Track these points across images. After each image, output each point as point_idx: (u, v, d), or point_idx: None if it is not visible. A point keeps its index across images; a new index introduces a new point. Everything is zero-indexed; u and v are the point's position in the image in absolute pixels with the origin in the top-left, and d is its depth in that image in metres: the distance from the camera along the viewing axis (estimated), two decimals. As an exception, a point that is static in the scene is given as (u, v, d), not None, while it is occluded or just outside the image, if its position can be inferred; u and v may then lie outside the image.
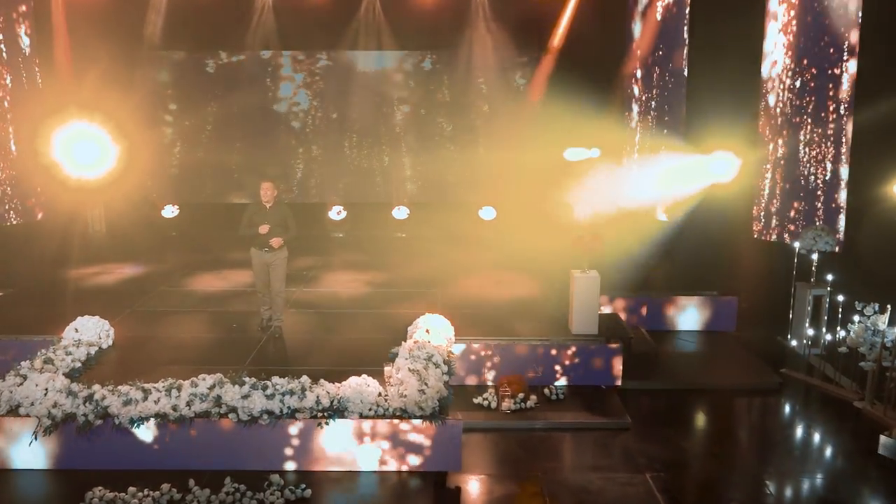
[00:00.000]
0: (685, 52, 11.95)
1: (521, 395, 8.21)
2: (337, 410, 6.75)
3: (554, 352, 8.71)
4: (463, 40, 14.26)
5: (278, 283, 8.89)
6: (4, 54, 12.90)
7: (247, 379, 6.98)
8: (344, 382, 6.99)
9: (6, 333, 8.82)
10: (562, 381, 8.69)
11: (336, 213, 14.55)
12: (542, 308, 10.02)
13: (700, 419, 8.32)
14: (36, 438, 6.67)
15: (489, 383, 8.64)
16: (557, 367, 8.73)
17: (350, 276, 11.68)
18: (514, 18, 14.02)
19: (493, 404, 8.19)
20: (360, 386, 6.88)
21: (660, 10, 12.51)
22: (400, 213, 14.66)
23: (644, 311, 10.45)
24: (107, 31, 13.72)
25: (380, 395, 6.88)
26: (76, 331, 8.36)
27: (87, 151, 14.01)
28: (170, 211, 14.73)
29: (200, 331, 9.19)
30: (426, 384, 6.97)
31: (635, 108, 13.72)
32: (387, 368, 7.39)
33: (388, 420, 6.72)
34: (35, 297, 10.40)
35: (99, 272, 11.79)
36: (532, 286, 11.09)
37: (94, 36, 13.65)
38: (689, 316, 10.58)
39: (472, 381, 8.68)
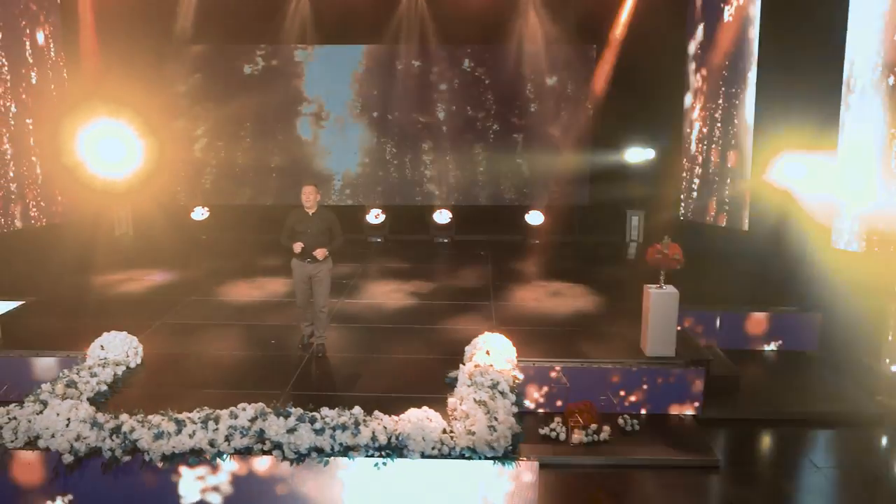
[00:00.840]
0: (755, 50, 11.01)
1: (593, 427, 7.34)
2: (395, 449, 5.90)
3: (627, 376, 7.83)
4: (512, 34, 13.39)
5: (322, 298, 8.08)
6: (28, 50, 12.26)
7: (292, 410, 6.17)
8: (403, 416, 6.15)
9: (26, 348, 8.09)
10: (634, 409, 7.81)
11: (374, 216, 13.74)
12: (609, 325, 9.13)
13: (797, 456, 7.37)
14: (56, 475, 5.91)
15: (544, 408, 7.80)
16: (631, 394, 7.84)
17: (393, 285, 10.85)
18: (568, 10, 13.13)
19: (562, 436, 7.33)
20: (421, 421, 6.03)
21: (728, 11, 11.59)
22: (441, 217, 13.82)
23: (715, 327, 9.52)
24: (134, 25, 13.07)
25: (444, 431, 6.03)
26: (102, 348, 7.61)
27: (114, 150, 13.40)
28: (199, 213, 14.01)
29: (235, 347, 8.40)
30: (496, 418, 6.11)
31: (697, 106, 12.77)
32: (451, 400, 6.53)
33: (455, 460, 5.87)
34: (57, 308, 9.68)
35: (125, 279, 11.08)
36: (594, 299, 10.19)
37: (121, 30, 13.00)
38: (766, 333, 9.62)
39: (533, 406, 7.84)
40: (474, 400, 6.36)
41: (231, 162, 14.16)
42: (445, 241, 13.78)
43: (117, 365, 7.43)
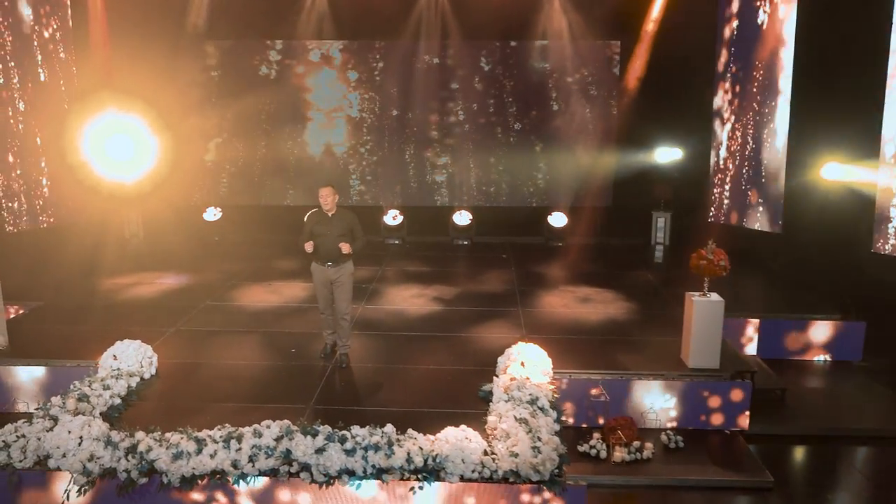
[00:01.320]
0: (792, 48, 10.57)
1: (636, 444, 6.90)
2: (433, 471, 5.48)
3: (669, 390, 7.38)
4: (534, 30, 12.95)
5: (343, 304, 7.66)
6: (35, 43, 11.87)
7: (320, 428, 5.75)
8: (439, 435, 5.72)
9: (35, 357, 7.68)
10: (677, 424, 7.38)
11: (392, 217, 13.31)
12: (644, 334, 8.69)
13: (856, 476, 6.92)
14: (68, 498, 5.50)
15: (580, 423, 7.37)
16: (673, 408, 7.40)
17: (414, 290, 10.42)
18: (593, 6, 12.68)
19: (603, 454, 6.89)
20: (460, 441, 5.60)
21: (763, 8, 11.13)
22: (461, 218, 13.38)
23: (755, 336, 9.08)
24: (147, 18, 12.66)
25: (485, 452, 5.60)
26: (115, 358, 7.19)
27: (123, 149, 12.98)
28: (212, 214, 13.59)
29: (254, 357, 7.98)
30: (539, 438, 5.68)
31: (728, 104, 12.31)
32: (491, 418, 6.08)
33: (498, 484, 5.44)
34: (66, 313, 9.28)
35: (136, 283, 10.66)
36: (625, 306, 9.74)
37: (133, 23, 12.59)
38: (808, 343, 9.17)
39: (571, 421, 7.40)
40: (515, 418, 5.93)
41: (245, 161, 13.73)
42: (465, 243, 13.34)
43: (131, 376, 7.02)
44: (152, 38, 12.74)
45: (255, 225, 13.80)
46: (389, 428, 5.81)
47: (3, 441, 5.64)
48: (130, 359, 7.18)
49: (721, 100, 12.48)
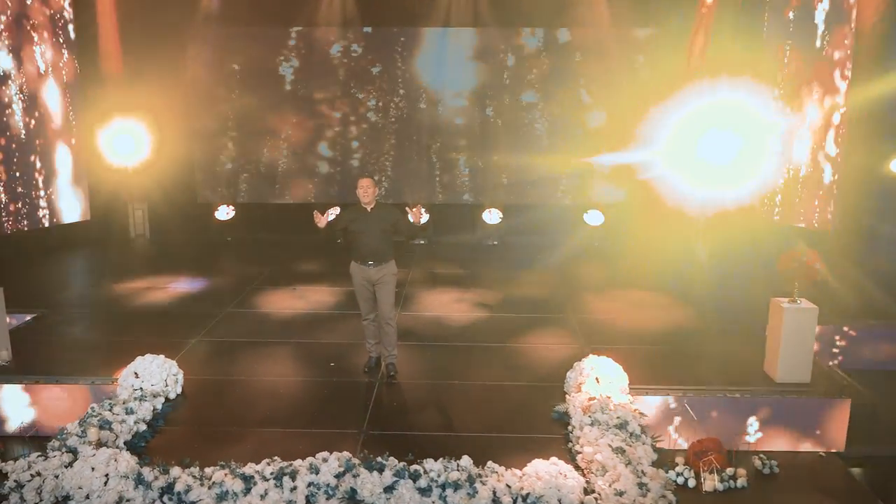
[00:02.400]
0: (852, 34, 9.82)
1: (729, 470, 6.10)
2: (525, 514, 4.67)
3: (759, 407, 6.59)
4: (574, 14, 12.11)
5: (388, 308, 6.87)
6: (34, 34, 11.00)
7: (386, 461, 4.92)
8: (527, 470, 4.91)
9: (43, 374, 6.81)
10: (768, 446, 6.59)
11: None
12: (714, 344, 7.91)
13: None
14: (93, 548, 4.67)
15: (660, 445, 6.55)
16: (765, 428, 6.61)
17: (452, 294, 9.60)
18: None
19: (691, 482, 6.07)
20: (554, 478, 4.79)
21: None
22: (491, 217, 12.56)
23: (836, 345, 8.31)
24: (156, 5, 11.82)
25: (585, 491, 4.78)
26: (136, 376, 6.34)
27: (128, 143, 12.14)
28: (224, 213, 12.72)
29: (289, 371, 7.14)
30: (643, 472, 4.87)
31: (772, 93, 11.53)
32: (587, 449, 5.26)
33: (602, 530, 4.64)
34: (74, 322, 8.42)
35: (147, 288, 9.79)
36: (685, 312, 8.96)
37: (141, 7, 11.75)
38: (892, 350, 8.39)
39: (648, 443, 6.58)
40: (611, 447, 5.12)
41: (260, 156, 12.84)
42: (495, 243, 12.52)
43: (155, 397, 6.18)
44: (162, 25, 11.90)
45: (271, 224, 12.98)
46: (467, 461, 5.00)
47: (16, 481, 4.80)
48: (154, 376, 6.33)
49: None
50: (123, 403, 5.87)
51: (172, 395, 6.39)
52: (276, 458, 5.09)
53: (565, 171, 12.83)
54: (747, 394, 6.67)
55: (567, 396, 6.31)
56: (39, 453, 5.18)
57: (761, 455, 6.42)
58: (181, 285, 9.94)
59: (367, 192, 6.71)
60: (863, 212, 9.85)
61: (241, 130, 12.75)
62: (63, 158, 11.67)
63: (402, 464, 4.94)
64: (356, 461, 4.95)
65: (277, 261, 11.29)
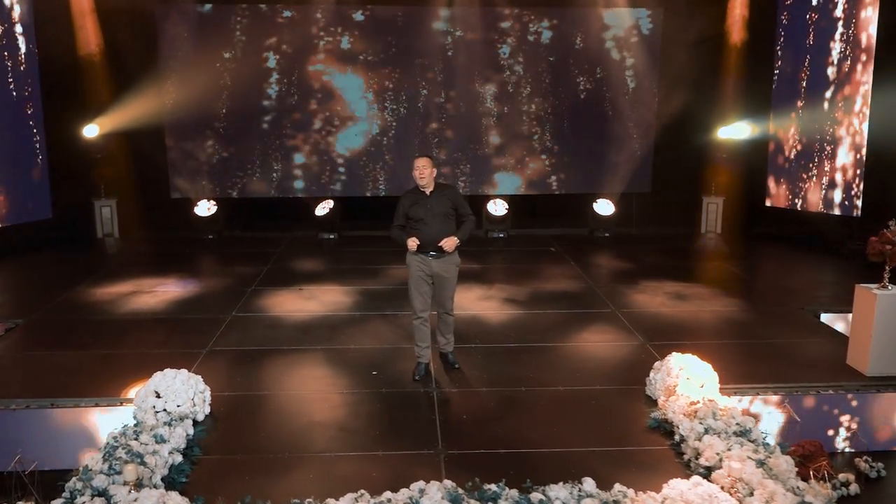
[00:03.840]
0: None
1: (841, 476, 5.47)
2: (677, 547, 3.90)
3: (853, 403, 6.01)
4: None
5: (450, 302, 6.23)
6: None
7: (501, 489, 4.10)
8: (667, 492, 4.17)
9: (33, 396, 5.73)
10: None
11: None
12: (779, 336, 7.33)
13: None
14: None
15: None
16: (864, 426, 6.03)
17: (477, 291, 8.76)
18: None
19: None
20: (704, 500, 4.03)
21: None
22: (496, 208, 11.79)
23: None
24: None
25: (745, 516, 4.06)
26: (158, 395, 5.31)
27: (92, 130, 10.93)
28: (205, 208, 11.56)
29: (326, 384, 6.20)
30: (798, 487, 4.17)
31: (791, 72, 11.11)
32: (734, 464, 4.49)
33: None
34: (56, 333, 7.31)
35: (133, 292, 8.67)
36: (731, 302, 8.37)
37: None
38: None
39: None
40: (753, 461, 4.40)
41: (245, 144, 11.70)
42: (501, 235, 11.73)
43: (181, 419, 5.18)
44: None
45: (255, 220, 11.94)
46: (590, 485, 4.21)
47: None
48: (179, 395, 5.32)
49: (783, 64, 11.27)
50: (151, 430, 4.86)
51: (200, 417, 5.39)
52: (362, 491, 4.20)
53: (573, 160, 12.15)
54: (841, 390, 6.09)
55: (659, 401, 5.59)
56: (62, 499, 4.14)
57: (867, 458, 5.83)
58: (170, 288, 8.84)
59: (423, 172, 5.92)
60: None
61: (221, 120, 11.57)
62: (12, 148, 10.33)
63: (514, 491, 4.12)
64: (462, 491, 4.10)
65: (270, 259, 10.26)
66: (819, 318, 7.94)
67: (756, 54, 11.33)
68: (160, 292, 8.66)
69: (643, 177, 12.40)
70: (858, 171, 9.93)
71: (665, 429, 5.30)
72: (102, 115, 10.94)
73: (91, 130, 10.97)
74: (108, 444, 4.73)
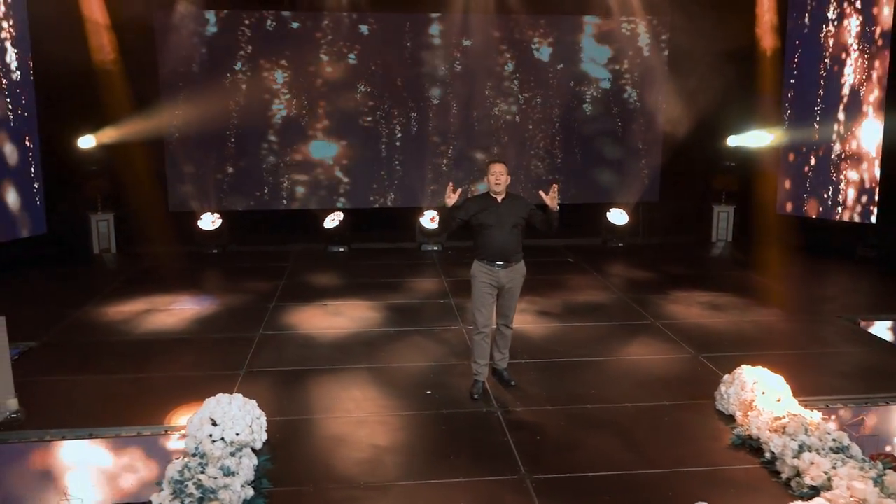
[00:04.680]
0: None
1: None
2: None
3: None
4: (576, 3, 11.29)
5: (512, 314, 6.03)
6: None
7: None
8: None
9: (68, 426, 5.30)
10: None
11: (430, 219, 11.31)
12: (830, 345, 7.21)
13: None
14: None
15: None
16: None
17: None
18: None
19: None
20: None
21: None
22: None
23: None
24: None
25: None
26: (214, 423, 4.92)
27: (86, 140, 10.45)
28: (209, 221, 11.12)
29: (380, 406, 5.85)
30: (922, 509, 3.98)
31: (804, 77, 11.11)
32: (857, 484, 4.27)
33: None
34: (75, 355, 6.85)
35: (147, 310, 8.22)
36: (771, 312, 8.25)
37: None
38: None
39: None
40: (868, 479, 4.20)
41: (250, 156, 11.28)
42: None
43: (242, 447, 4.80)
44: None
45: (262, 233, 11.51)
46: (708, 509, 3.95)
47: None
48: (237, 422, 4.94)
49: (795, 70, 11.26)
50: (218, 462, 4.47)
51: (258, 445, 5.01)
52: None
53: (585, 169, 11.99)
54: (907, 400, 5.95)
55: (737, 417, 5.38)
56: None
57: (941, 470, 5.69)
58: (186, 305, 8.41)
59: (499, 178, 5.74)
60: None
61: (226, 131, 11.15)
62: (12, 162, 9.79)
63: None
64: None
65: (283, 273, 9.87)
66: (858, 326, 7.86)
67: (767, 62, 11.31)
68: (176, 310, 8.22)
69: (652, 186, 12.30)
70: (876, 178, 9.93)
71: (751, 446, 5.08)
72: (98, 127, 10.47)
73: (86, 142, 10.49)
74: (173, 479, 4.33)
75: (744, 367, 5.79)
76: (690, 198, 12.22)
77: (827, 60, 10.62)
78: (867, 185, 10.04)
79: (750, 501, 4.47)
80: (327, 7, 10.88)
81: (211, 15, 10.86)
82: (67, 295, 8.72)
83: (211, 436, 4.85)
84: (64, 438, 5.20)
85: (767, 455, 4.89)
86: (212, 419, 4.95)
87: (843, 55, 10.34)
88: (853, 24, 10.14)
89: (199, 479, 4.25)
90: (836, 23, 10.48)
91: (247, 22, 10.90)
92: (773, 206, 11.73)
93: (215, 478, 4.32)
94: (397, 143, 11.51)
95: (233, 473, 4.41)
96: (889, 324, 7.91)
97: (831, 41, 10.51)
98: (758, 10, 11.18)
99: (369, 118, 11.37)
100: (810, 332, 7.60)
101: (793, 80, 11.17)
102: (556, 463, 4.91)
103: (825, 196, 10.84)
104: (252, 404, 5.19)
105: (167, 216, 11.27)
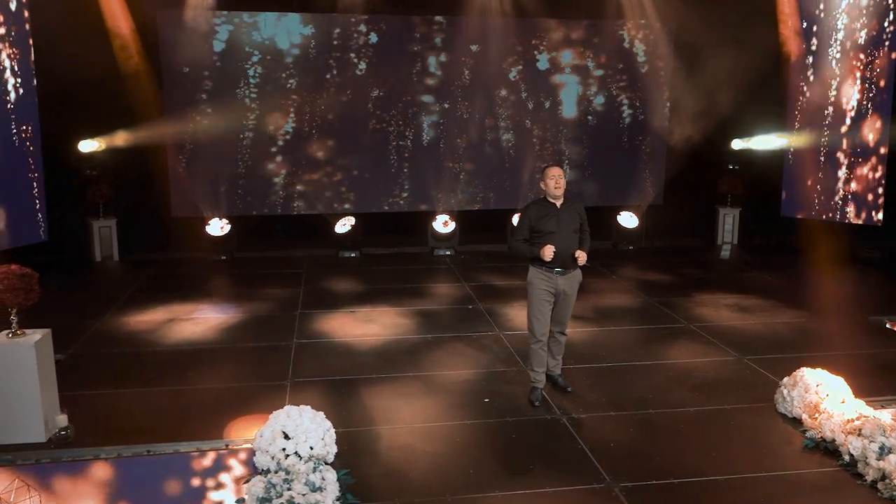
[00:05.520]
0: None
1: None
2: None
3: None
4: (583, 6, 11.28)
5: (567, 321, 6.01)
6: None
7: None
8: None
9: (122, 443, 5.06)
10: None
11: (442, 224, 11.19)
12: (866, 346, 7.28)
13: None
14: None
15: None
16: None
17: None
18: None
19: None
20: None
21: None
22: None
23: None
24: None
25: None
26: (286, 437, 4.73)
27: (90, 146, 10.13)
28: (218, 227, 10.83)
29: (442, 415, 5.70)
30: None
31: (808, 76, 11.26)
32: None
33: None
34: (109, 366, 6.58)
35: (170, 319, 7.95)
36: (800, 314, 8.32)
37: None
38: None
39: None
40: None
41: (258, 160, 11.03)
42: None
43: (318, 459, 4.63)
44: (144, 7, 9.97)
45: (271, 239, 11.26)
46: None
47: None
48: (311, 435, 4.75)
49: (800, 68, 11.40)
50: (305, 478, 4.30)
51: (331, 459, 4.84)
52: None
53: (595, 172, 11.99)
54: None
55: (804, 420, 5.38)
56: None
57: None
58: (209, 314, 8.16)
59: (559, 182, 5.68)
60: None
61: (234, 134, 10.88)
62: (12, 168, 9.40)
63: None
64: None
65: (300, 280, 9.66)
66: (887, 326, 7.95)
67: (772, 64, 11.45)
68: (200, 319, 7.96)
69: (657, 189, 12.37)
70: (881, 180, 10.09)
71: (825, 448, 5.07)
72: (99, 131, 10.15)
73: (87, 146, 10.14)
74: (259, 497, 4.14)
75: (804, 369, 5.80)
76: (692, 201, 12.31)
77: (834, 64, 10.78)
78: (872, 187, 10.20)
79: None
80: (339, 9, 10.69)
81: (219, 19, 10.60)
82: (81, 304, 8.39)
83: (284, 450, 4.66)
84: (120, 456, 4.96)
85: (846, 458, 4.89)
86: (284, 433, 4.75)
87: (852, 58, 10.51)
88: (862, 28, 10.32)
89: (291, 496, 4.08)
90: (845, 26, 10.64)
91: (258, 26, 10.66)
92: (778, 208, 11.88)
93: (304, 494, 4.15)
94: (409, 147, 11.35)
95: (320, 489, 4.24)
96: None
97: (839, 45, 10.67)
98: (765, 12, 11.32)
99: (379, 124, 11.19)
100: (844, 333, 7.67)
101: (802, 84, 11.30)
102: (636, 470, 4.83)
103: (829, 198, 11.00)
104: (320, 416, 5.01)
105: (170, 222, 10.96)
